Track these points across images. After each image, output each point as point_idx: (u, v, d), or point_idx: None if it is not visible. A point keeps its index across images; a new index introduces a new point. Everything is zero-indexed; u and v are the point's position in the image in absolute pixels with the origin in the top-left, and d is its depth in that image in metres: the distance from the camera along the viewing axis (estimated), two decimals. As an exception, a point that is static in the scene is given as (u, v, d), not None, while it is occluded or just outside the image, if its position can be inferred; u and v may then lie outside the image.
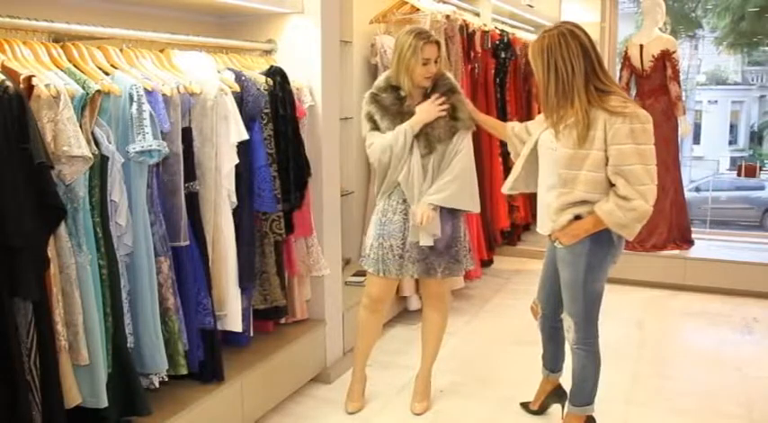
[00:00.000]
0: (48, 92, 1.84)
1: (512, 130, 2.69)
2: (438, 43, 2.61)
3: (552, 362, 2.73)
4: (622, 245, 2.39)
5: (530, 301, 2.74)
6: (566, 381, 2.63)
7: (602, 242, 2.31)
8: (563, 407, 2.67)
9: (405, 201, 2.63)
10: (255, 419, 2.70)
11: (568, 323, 2.42)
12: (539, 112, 2.54)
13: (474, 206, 2.68)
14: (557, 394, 2.75)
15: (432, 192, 2.57)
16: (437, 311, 2.84)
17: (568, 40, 2.22)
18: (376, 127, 2.64)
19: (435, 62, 2.58)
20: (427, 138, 2.58)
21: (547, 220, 2.38)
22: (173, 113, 2.27)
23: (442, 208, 2.59)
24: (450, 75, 2.72)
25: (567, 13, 6.59)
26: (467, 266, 2.76)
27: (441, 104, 2.58)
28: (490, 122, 2.86)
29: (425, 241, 2.57)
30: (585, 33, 2.27)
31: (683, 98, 4.76)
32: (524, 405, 2.84)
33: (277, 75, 2.75)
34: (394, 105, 2.62)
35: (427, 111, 2.57)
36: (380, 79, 2.70)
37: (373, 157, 2.65)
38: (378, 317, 2.86)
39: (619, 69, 4.97)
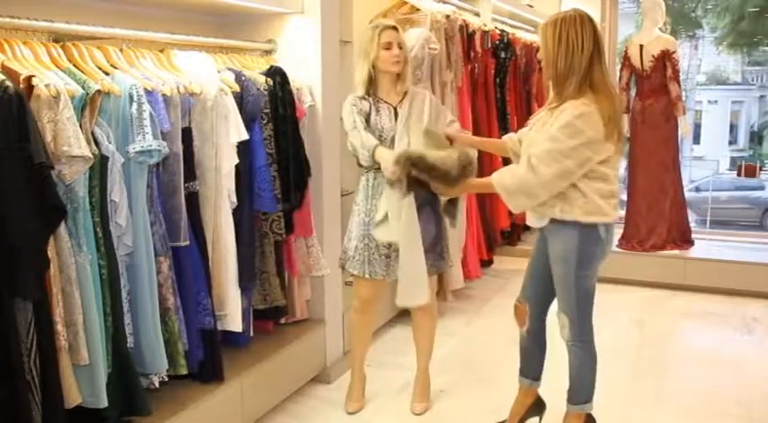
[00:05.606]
0: (48, 92, 1.84)
1: (509, 145, 2.57)
2: (395, 28, 2.61)
3: (537, 367, 2.61)
4: (611, 239, 2.38)
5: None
6: (563, 381, 2.60)
7: (591, 237, 2.30)
8: (540, 418, 2.60)
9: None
10: (255, 419, 2.70)
11: (563, 321, 2.40)
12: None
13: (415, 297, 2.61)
14: (537, 406, 2.63)
15: None
16: (423, 311, 2.80)
17: (584, 19, 2.25)
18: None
19: (400, 48, 2.57)
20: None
21: (531, 213, 2.39)
22: (173, 113, 2.27)
23: (425, 207, 2.58)
24: (426, 92, 2.69)
25: (567, 14, 6.57)
26: (450, 264, 2.85)
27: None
28: (487, 144, 2.82)
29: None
30: (597, 25, 2.30)
31: (683, 98, 4.76)
32: None
33: (277, 75, 2.75)
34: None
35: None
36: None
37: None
38: (370, 317, 2.88)
39: (619, 69, 4.97)
